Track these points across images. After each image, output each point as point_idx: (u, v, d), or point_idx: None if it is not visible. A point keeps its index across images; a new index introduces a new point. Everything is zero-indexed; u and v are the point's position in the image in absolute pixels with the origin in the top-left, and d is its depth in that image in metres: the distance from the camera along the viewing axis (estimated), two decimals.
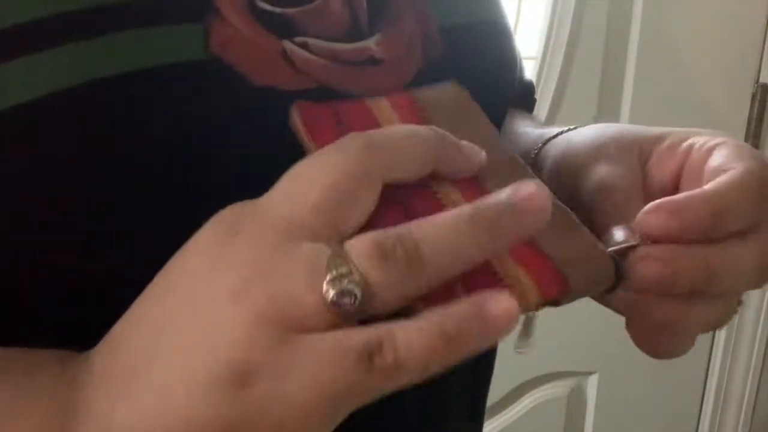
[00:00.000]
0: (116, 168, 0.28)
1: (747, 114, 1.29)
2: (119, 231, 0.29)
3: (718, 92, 1.28)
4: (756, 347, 1.40)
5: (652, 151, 0.36)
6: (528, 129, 0.46)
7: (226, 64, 0.30)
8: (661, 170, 0.35)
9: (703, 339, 1.41)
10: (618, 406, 1.39)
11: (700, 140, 0.34)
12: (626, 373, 1.36)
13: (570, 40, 1.17)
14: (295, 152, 0.31)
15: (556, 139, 0.42)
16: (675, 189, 0.35)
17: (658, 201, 0.30)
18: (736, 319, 1.37)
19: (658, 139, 0.36)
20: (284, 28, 0.33)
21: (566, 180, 0.37)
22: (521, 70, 0.52)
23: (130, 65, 0.29)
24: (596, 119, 1.20)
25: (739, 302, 0.33)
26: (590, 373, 1.36)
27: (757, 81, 1.27)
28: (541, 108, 1.17)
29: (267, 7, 0.32)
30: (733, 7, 1.24)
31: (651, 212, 0.29)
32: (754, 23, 1.26)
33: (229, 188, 0.30)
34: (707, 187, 0.30)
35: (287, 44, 0.32)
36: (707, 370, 1.42)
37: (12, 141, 0.27)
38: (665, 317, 0.30)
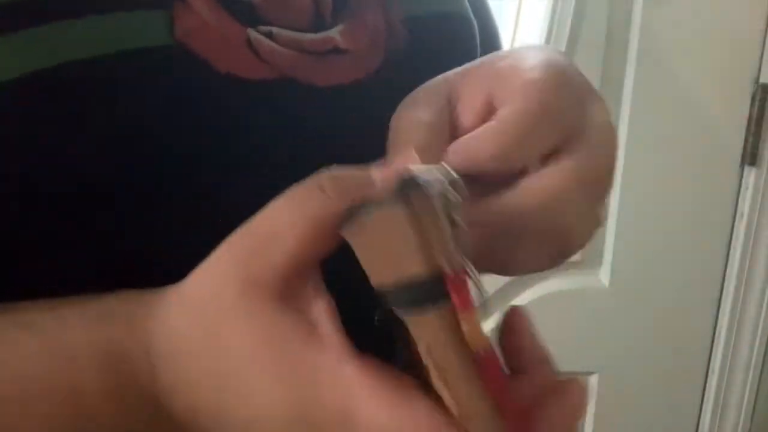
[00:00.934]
0: (79, 150, 0.28)
1: (747, 114, 1.29)
2: (79, 219, 0.29)
3: (718, 92, 1.27)
4: (756, 347, 1.40)
5: (460, 89, 0.33)
6: None
7: (191, 50, 0.30)
8: (472, 105, 0.32)
9: (703, 339, 1.41)
10: (618, 406, 1.39)
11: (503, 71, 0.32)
12: (626, 373, 1.36)
13: (570, 40, 1.17)
14: (256, 138, 0.32)
15: None
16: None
17: (454, 143, 0.30)
18: (736, 318, 1.38)
19: (464, 75, 0.34)
20: (249, 17, 0.33)
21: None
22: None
23: (94, 50, 0.29)
24: None
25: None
26: (590, 374, 1.36)
27: (757, 81, 1.27)
28: None
29: None
30: (733, 7, 1.24)
31: (450, 153, 0.30)
32: (754, 23, 1.26)
33: (191, 174, 0.30)
34: (491, 122, 0.30)
35: (252, 33, 0.33)
36: (707, 370, 1.42)
37: None
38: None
